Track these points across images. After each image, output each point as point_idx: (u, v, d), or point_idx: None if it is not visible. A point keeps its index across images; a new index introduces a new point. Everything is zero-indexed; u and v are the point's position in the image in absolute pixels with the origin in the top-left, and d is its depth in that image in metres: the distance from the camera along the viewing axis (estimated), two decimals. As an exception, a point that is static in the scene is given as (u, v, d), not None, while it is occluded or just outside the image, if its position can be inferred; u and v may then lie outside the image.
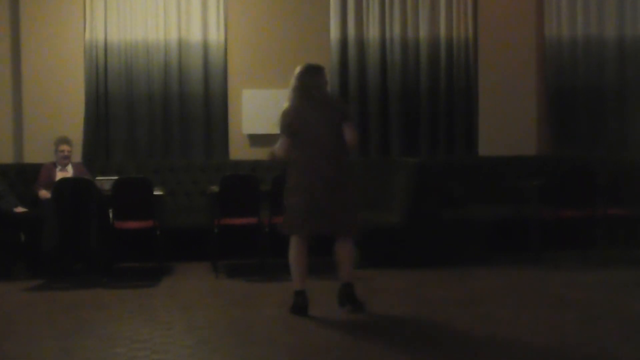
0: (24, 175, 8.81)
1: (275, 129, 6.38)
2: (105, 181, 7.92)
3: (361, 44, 9.80)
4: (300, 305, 6.09)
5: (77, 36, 9.40)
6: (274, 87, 9.58)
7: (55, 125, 9.17)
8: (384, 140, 9.80)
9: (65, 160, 8.42)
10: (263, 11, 9.74)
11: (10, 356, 5.15)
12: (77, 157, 9.04)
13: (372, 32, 9.79)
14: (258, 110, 9.61)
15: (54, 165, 8.45)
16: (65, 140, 8.49)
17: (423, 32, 9.85)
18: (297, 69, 6.23)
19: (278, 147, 6.20)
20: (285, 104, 6.22)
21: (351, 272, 6.24)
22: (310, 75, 6.18)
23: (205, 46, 9.51)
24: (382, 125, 9.79)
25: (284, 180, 6.35)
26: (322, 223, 6.06)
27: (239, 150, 9.65)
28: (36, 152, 9.17)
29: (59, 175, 8.27)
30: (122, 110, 9.40)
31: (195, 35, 9.49)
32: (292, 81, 6.21)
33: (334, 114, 6.12)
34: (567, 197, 8.21)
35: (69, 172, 8.39)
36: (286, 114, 6.15)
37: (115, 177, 7.94)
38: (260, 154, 9.55)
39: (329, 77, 9.34)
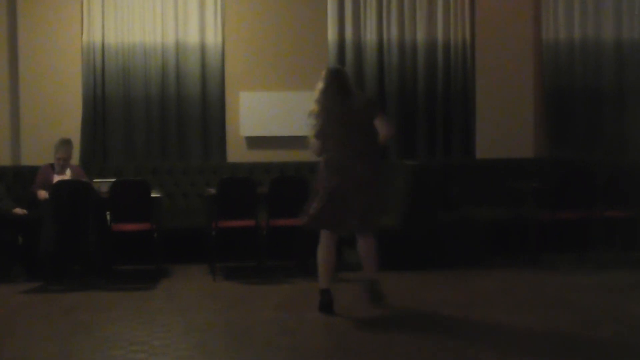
0: (22, 178, 8.80)
1: (306, 131, 6.34)
2: (103, 183, 7.89)
3: (358, 46, 9.80)
4: (326, 303, 6.19)
5: (75, 38, 9.40)
6: (271, 90, 9.59)
7: (52, 128, 9.17)
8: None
9: (61, 168, 8.34)
10: (260, 13, 9.74)
11: (8, 358, 5.14)
12: (74, 159, 9.02)
13: (370, 34, 9.79)
14: (255, 112, 9.61)
15: (51, 167, 8.41)
16: (61, 148, 8.25)
17: (420, 35, 9.86)
18: (323, 72, 6.30)
19: (312, 149, 6.27)
20: (312, 107, 6.25)
21: (375, 268, 6.37)
22: (336, 76, 6.24)
23: (203, 48, 9.50)
24: (379, 127, 9.78)
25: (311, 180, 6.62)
26: (351, 222, 6.16)
27: (237, 153, 9.65)
28: (33, 155, 9.15)
29: (57, 177, 8.24)
30: (120, 113, 9.40)
31: (192, 37, 9.49)
32: (320, 84, 6.25)
33: (363, 112, 6.17)
34: (565, 199, 8.23)
35: (67, 174, 8.36)
36: (315, 117, 6.21)
37: (113, 180, 7.94)
38: (257, 156, 9.58)
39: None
